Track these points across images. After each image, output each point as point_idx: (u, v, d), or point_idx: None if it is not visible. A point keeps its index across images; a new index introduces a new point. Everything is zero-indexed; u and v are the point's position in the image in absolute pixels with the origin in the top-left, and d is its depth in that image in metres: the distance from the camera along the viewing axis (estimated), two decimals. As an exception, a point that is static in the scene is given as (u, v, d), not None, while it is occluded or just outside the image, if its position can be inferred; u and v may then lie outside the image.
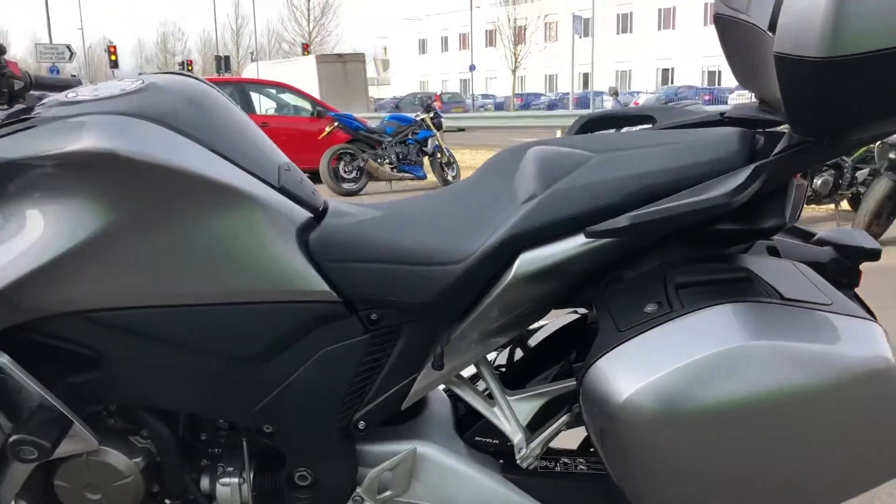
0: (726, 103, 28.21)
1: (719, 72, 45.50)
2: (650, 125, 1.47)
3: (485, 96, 46.65)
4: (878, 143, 5.19)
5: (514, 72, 43.81)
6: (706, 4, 42.97)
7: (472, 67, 41.37)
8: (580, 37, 18.56)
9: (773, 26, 1.07)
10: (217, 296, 1.26)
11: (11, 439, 1.19)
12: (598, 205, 1.19)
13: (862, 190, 6.28)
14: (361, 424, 1.35)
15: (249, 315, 1.28)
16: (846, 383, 1.01)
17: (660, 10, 48.37)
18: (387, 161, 9.52)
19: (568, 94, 35.67)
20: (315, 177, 8.79)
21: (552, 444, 1.38)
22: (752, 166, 1.11)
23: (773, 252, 1.33)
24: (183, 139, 1.22)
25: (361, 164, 9.40)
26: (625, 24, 50.67)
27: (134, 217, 1.20)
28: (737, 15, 1.24)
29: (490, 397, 1.38)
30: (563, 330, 1.54)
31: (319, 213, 1.35)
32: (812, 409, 1.02)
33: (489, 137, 18.59)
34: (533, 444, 1.33)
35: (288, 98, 11.99)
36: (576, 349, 1.43)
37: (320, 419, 1.34)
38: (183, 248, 1.23)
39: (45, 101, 1.31)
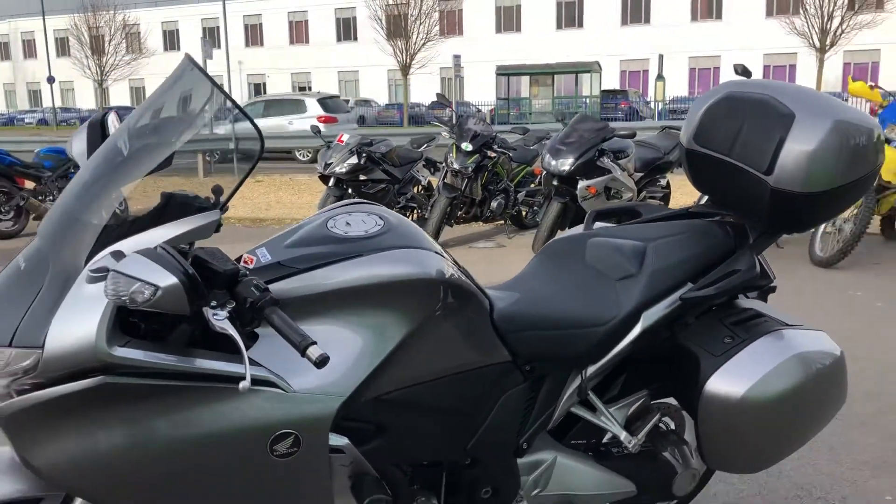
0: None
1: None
2: (638, 218, 2.25)
3: (65, 110, 43.00)
4: (543, 172, 6.57)
5: (100, 84, 41.06)
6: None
7: (50, 79, 37.84)
8: (209, 58, 18.40)
9: (768, 171, 1.91)
10: (452, 369, 1.72)
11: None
12: (677, 279, 1.93)
13: (523, 209, 7.86)
14: (525, 445, 1.91)
15: (469, 379, 1.76)
16: (832, 370, 1.90)
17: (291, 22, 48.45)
18: (49, 198, 8.85)
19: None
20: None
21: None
22: (749, 253, 1.95)
23: None
24: (435, 255, 1.67)
25: (20, 203, 8.62)
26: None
27: (421, 322, 1.62)
28: (714, 154, 2.06)
29: (592, 409, 2.02)
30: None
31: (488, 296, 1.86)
32: (823, 385, 1.89)
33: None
34: (639, 436, 2.02)
35: None
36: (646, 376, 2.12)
37: (504, 448, 1.86)
38: (438, 337, 1.67)
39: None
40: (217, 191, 1.49)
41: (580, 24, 41.59)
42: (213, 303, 1.35)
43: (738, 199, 2.06)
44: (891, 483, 2.65)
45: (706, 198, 2.50)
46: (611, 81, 37.76)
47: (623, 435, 2.03)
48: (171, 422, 1.40)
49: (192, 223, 1.40)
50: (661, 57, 31.61)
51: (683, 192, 8.20)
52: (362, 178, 7.50)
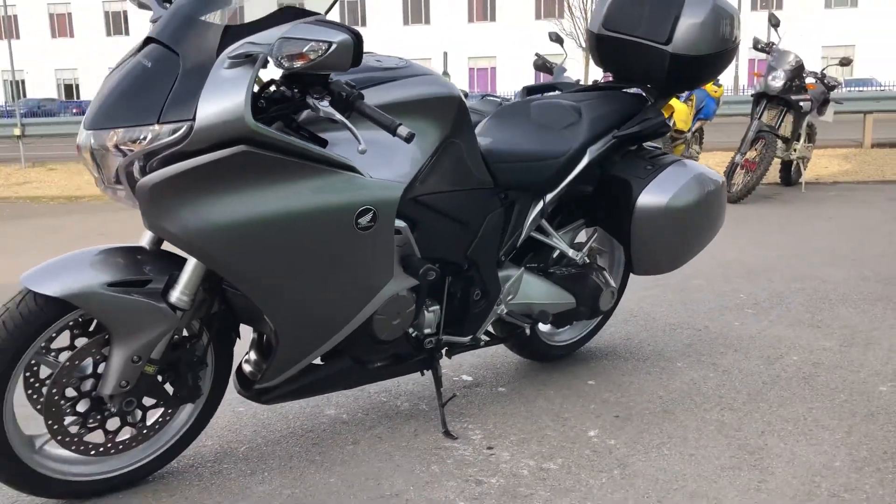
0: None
1: (76, 85, 44.78)
2: (560, 91, 2.79)
3: None
4: None
5: None
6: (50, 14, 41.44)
7: None
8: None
9: (667, 42, 2.51)
10: (460, 185, 2.14)
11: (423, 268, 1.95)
12: (609, 124, 2.49)
13: None
14: (503, 258, 2.37)
15: (470, 196, 2.19)
16: (718, 190, 2.55)
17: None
18: None
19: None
20: None
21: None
22: (656, 107, 2.56)
23: None
24: (449, 81, 2.09)
25: None
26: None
27: (448, 133, 2.04)
28: (623, 37, 2.64)
29: (546, 234, 2.52)
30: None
31: None
32: (713, 200, 2.53)
33: None
34: (582, 252, 2.55)
35: None
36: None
37: (490, 256, 2.31)
38: (456, 152, 2.10)
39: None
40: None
41: (363, 23, 42.44)
42: (315, 95, 1.69)
43: (641, 70, 2.64)
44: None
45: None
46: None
47: (570, 252, 2.55)
48: (289, 192, 1.71)
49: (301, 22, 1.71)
50: (445, 55, 33.12)
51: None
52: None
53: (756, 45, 7.25)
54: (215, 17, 1.73)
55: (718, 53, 2.54)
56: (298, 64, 1.58)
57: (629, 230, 2.48)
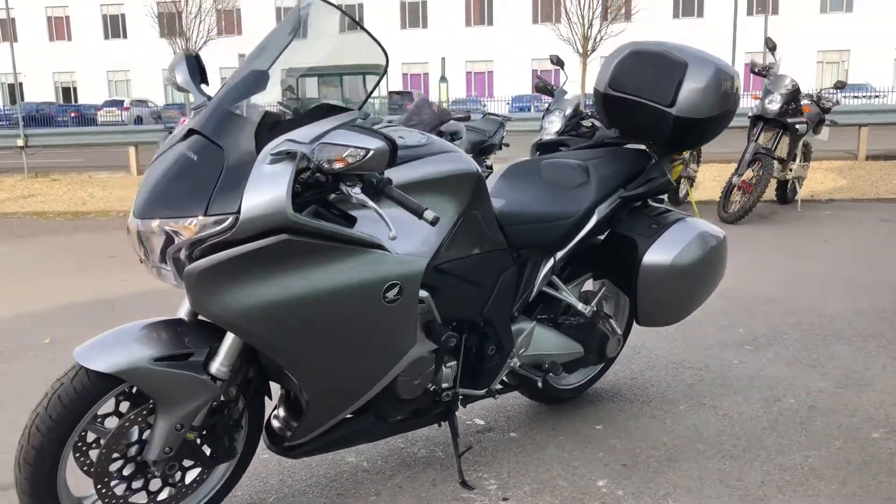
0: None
1: (74, 87, 44.82)
2: (568, 146, 2.92)
3: None
4: None
5: None
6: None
7: None
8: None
9: (671, 104, 2.64)
10: (478, 249, 2.27)
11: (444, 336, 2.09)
12: (616, 184, 2.62)
13: None
14: (515, 314, 2.50)
15: (485, 259, 2.31)
16: (720, 246, 2.68)
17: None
18: None
19: None
20: None
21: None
22: (660, 165, 2.69)
23: None
24: (469, 158, 2.22)
25: None
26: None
27: (466, 206, 2.16)
28: (628, 97, 2.77)
29: (555, 288, 2.65)
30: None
31: None
32: (715, 257, 2.66)
33: None
34: (591, 305, 2.67)
35: None
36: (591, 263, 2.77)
37: (504, 313, 2.43)
38: (473, 221, 2.22)
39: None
40: (353, 94, 1.95)
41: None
42: (348, 182, 1.81)
43: (645, 129, 2.77)
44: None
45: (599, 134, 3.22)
46: (394, 83, 39.03)
47: (580, 305, 2.68)
48: (324, 272, 1.84)
49: (340, 119, 1.83)
50: (443, 60, 33.27)
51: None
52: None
53: (753, 69, 7.38)
54: (255, 112, 1.85)
55: (720, 116, 2.67)
56: (337, 166, 1.71)
57: (635, 285, 2.61)
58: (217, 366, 1.92)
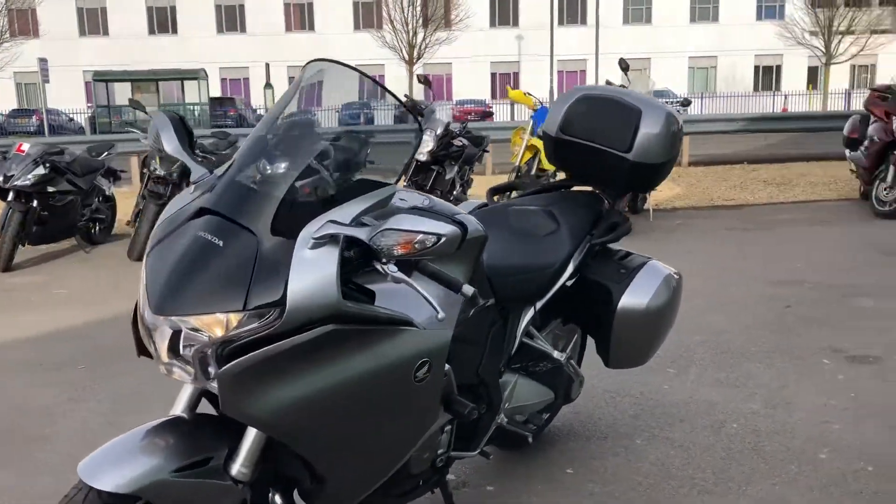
0: None
1: None
2: (522, 191, 2.90)
3: None
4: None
5: None
6: None
7: None
8: None
9: (628, 150, 2.69)
10: (477, 308, 2.20)
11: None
12: (583, 230, 2.63)
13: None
14: (502, 369, 2.45)
15: (479, 316, 2.24)
16: (679, 287, 2.76)
17: None
18: None
19: None
20: None
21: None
22: (616, 210, 2.75)
23: None
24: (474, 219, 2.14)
25: None
26: None
27: (475, 265, 2.08)
28: (582, 142, 2.79)
29: (530, 337, 2.62)
30: None
31: None
32: (676, 297, 2.74)
33: None
34: (567, 352, 2.67)
35: None
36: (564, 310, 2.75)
37: (495, 368, 2.38)
38: (479, 282, 2.15)
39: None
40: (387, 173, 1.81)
41: (174, 31, 40.62)
42: (384, 259, 1.69)
43: (600, 174, 2.81)
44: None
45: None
46: (213, 89, 37.53)
47: (555, 353, 2.67)
48: (364, 358, 1.69)
49: (378, 196, 1.70)
50: (267, 66, 32.40)
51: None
52: (50, 189, 7.00)
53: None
54: (276, 188, 1.68)
55: (671, 160, 2.76)
56: (400, 252, 1.58)
57: (609, 330, 2.64)
58: (238, 467, 1.72)
